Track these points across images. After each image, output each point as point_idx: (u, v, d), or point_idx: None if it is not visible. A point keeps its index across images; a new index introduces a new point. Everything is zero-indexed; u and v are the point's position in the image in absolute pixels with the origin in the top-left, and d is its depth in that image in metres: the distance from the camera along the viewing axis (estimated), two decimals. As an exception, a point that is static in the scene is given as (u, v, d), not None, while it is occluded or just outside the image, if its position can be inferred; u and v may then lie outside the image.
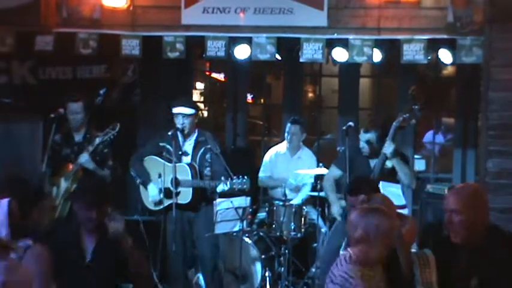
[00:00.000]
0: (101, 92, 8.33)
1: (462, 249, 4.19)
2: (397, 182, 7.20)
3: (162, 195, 7.37)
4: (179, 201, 7.28)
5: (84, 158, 7.46)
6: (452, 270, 4.31)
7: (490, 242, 4.08)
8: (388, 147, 7.10)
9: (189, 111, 7.45)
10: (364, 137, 7.43)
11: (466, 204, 4.10)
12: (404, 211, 6.69)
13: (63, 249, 4.93)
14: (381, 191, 6.20)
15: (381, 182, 6.67)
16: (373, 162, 7.31)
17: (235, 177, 7.15)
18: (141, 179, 7.50)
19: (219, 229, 7.36)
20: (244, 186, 7.17)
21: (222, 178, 7.20)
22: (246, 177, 7.17)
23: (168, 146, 7.37)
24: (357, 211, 4.38)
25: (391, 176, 7.17)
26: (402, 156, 7.32)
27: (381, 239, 4.19)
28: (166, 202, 7.37)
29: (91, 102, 8.21)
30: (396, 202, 6.31)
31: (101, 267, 5.00)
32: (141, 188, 7.59)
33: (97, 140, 7.47)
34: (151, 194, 7.44)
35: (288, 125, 8.65)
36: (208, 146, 7.45)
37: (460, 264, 4.24)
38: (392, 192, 6.80)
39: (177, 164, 7.27)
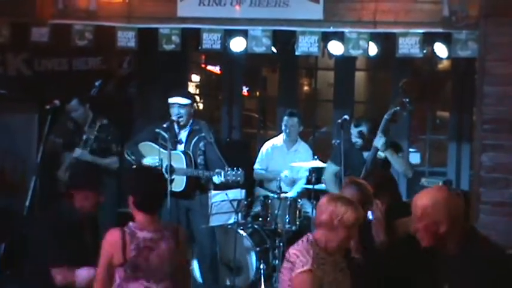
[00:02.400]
0: (97, 83, 8.32)
1: (433, 254, 4.17)
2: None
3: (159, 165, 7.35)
4: (173, 189, 7.28)
5: (78, 153, 7.65)
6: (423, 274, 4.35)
7: (464, 249, 4.00)
8: (379, 140, 7.12)
9: (185, 101, 7.47)
10: (355, 130, 7.45)
11: (426, 211, 4.01)
12: None
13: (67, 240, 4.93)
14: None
15: None
16: (366, 154, 7.34)
17: (229, 169, 7.16)
18: (136, 157, 7.51)
19: (214, 221, 7.37)
20: (238, 179, 7.17)
21: (216, 170, 7.21)
22: (240, 169, 7.18)
23: (163, 133, 7.39)
24: (328, 197, 4.47)
25: (384, 167, 7.19)
26: (395, 146, 7.34)
27: (343, 228, 4.29)
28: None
29: (85, 93, 8.25)
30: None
31: None
32: None
33: (84, 137, 7.63)
34: (148, 163, 7.45)
35: (285, 118, 8.64)
36: (202, 135, 7.46)
37: (431, 269, 4.24)
38: None
39: (171, 152, 7.28)
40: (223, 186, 7.49)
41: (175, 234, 4.55)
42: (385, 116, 7.17)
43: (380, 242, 4.99)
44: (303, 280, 4.19)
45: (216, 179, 7.21)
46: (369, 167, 7.09)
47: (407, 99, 7.16)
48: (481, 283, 3.87)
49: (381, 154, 7.22)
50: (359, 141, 7.43)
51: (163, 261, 4.46)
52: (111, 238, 4.40)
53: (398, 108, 7.18)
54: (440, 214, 4.00)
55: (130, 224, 4.48)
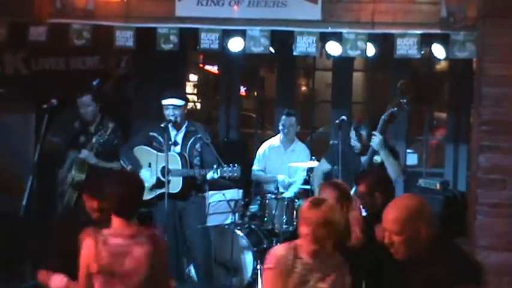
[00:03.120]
0: (94, 83, 8.32)
1: (405, 264, 4.14)
2: None
3: (155, 181, 7.34)
4: (170, 191, 7.27)
5: (84, 154, 7.67)
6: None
7: (431, 255, 4.00)
8: (375, 139, 7.08)
9: (180, 102, 7.47)
10: (353, 134, 7.43)
11: (407, 223, 3.98)
12: None
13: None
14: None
15: None
16: (364, 159, 7.33)
17: (225, 165, 7.16)
18: (132, 166, 7.49)
19: (211, 221, 7.38)
20: (235, 174, 7.16)
21: (214, 166, 7.21)
22: (236, 164, 7.18)
23: (158, 136, 7.40)
24: (306, 204, 4.52)
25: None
26: (391, 150, 7.31)
27: (306, 226, 4.38)
28: (157, 191, 7.37)
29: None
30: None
31: None
32: None
33: (94, 140, 7.63)
34: (144, 178, 7.43)
35: (283, 117, 8.65)
36: (199, 136, 7.46)
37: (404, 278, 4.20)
38: None
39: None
40: (221, 187, 7.50)
41: (151, 239, 4.49)
42: (383, 117, 7.15)
43: (356, 240, 4.97)
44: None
45: (210, 175, 7.20)
46: (366, 169, 7.07)
47: (404, 100, 7.14)
48: None
49: (377, 159, 7.20)
50: (358, 145, 7.40)
51: (139, 267, 4.40)
52: (85, 246, 4.38)
53: (395, 109, 7.14)
54: (419, 223, 3.99)
55: (105, 230, 4.44)
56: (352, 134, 7.44)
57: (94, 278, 4.39)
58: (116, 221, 4.46)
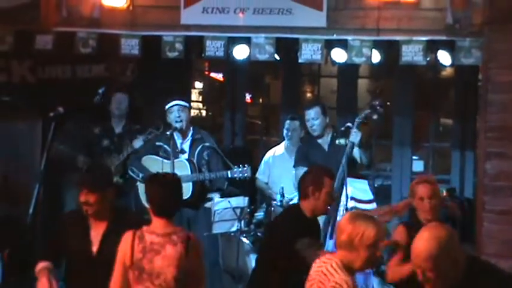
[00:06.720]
0: (100, 91, 8.33)
1: None
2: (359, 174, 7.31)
3: None
4: None
5: (139, 143, 7.75)
6: None
7: (468, 281, 3.83)
8: (356, 136, 7.14)
9: (184, 103, 7.53)
10: (309, 114, 7.68)
11: (440, 258, 3.74)
12: (371, 206, 6.76)
13: (70, 238, 5.00)
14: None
15: (347, 178, 6.65)
16: (322, 141, 7.61)
17: (235, 166, 7.19)
18: (143, 174, 7.49)
19: (217, 229, 7.38)
20: (246, 175, 7.20)
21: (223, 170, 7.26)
22: (246, 165, 7.20)
23: (164, 145, 7.41)
24: (347, 216, 4.23)
25: (352, 166, 7.22)
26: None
27: (365, 247, 4.03)
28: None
29: (89, 101, 8.27)
30: (364, 197, 6.42)
31: (109, 258, 4.79)
32: (140, 186, 7.59)
33: (141, 139, 7.74)
34: None
35: (287, 121, 8.66)
36: (206, 144, 7.48)
37: None
38: (360, 187, 6.85)
39: (175, 160, 7.28)
40: (227, 194, 7.51)
41: (185, 240, 4.60)
42: (357, 119, 7.30)
43: None
44: None
45: (222, 182, 7.25)
46: (346, 166, 6.97)
47: (377, 102, 7.24)
48: None
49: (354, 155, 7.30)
50: (316, 123, 7.62)
51: (169, 266, 4.52)
52: (124, 240, 4.58)
53: (368, 111, 7.27)
54: (453, 253, 3.80)
55: (144, 227, 4.63)
56: (308, 115, 7.71)
57: (128, 272, 4.56)
58: (153, 220, 4.65)
